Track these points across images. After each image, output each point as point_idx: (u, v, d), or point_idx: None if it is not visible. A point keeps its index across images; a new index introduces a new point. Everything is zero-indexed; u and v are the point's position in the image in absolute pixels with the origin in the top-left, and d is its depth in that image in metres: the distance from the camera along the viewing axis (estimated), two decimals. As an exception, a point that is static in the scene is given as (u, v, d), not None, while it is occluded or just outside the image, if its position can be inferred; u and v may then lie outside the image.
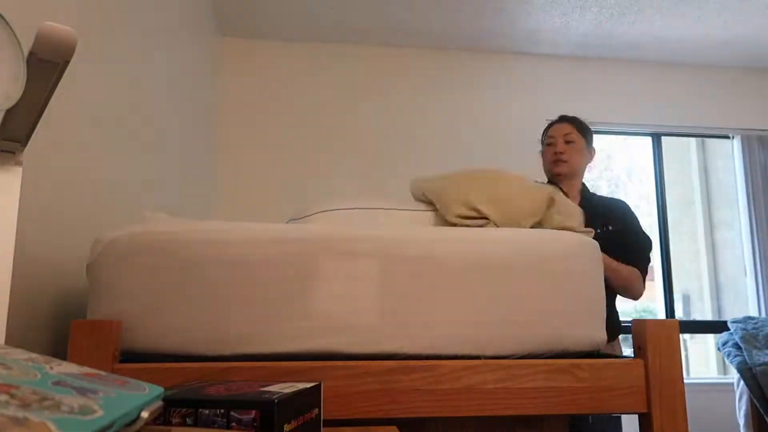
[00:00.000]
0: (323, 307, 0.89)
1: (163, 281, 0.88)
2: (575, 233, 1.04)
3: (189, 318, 0.87)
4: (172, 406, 0.59)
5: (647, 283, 1.65)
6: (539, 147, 1.90)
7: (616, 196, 1.94)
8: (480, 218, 1.05)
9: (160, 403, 0.47)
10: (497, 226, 1.04)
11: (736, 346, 2.61)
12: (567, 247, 0.97)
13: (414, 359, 0.88)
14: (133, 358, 0.87)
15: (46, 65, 0.59)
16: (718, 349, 2.74)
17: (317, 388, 0.70)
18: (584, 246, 0.99)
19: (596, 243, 1.02)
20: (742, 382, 2.55)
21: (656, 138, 3.50)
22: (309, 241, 0.91)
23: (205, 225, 0.95)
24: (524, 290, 0.93)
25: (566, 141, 1.81)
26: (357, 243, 0.92)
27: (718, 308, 3.84)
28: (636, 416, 0.90)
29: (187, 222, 0.98)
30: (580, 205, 1.67)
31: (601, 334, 0.96)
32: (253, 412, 0.57)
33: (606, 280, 1.07)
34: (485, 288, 0.92)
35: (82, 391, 0.41)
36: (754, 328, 2.66)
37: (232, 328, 0.87)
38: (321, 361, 0.87)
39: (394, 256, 0.92)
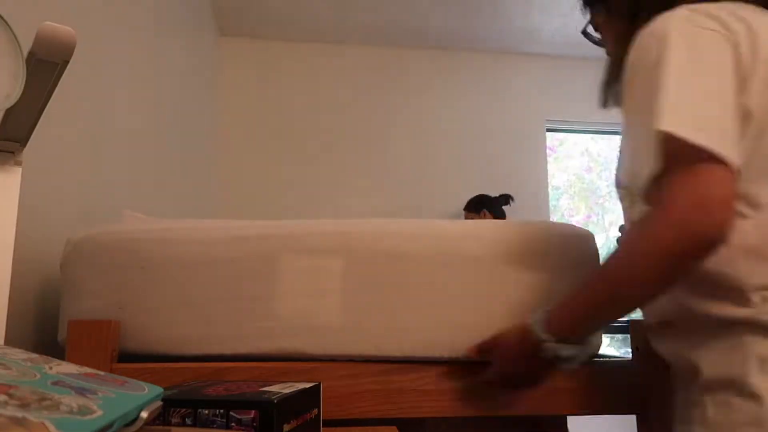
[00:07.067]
0: (285, 306, 0.87)
1: (126, 280, 0.88)
2: (566, 224, 0.98)
3: (150, 317, 0.87)
4: (171, 406, 0.59)
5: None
6: (537, 147, 1.89)
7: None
8: None
9: (159, 403, 0.47)
10: None
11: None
12: (554, 240, 0.91)
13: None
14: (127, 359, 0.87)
15: (46, 65, 0.59)
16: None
17: (317, 388, 0.70)
18: (574, 239, 0.92)
19: (591, 234, 0.95)
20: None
21: (656, 138, 3.50)
22: (271, 237, 0.89)
23: (167, 224, 0.94)
24: (505, 288, 0.87)
25: None
26: (321, 238, 0.89)
27: (718, 308, 3.83)
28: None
29: (156, 221, 0.98)
30: None
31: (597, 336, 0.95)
32: (253, 412, 0.57)
33: None
34: (462, 287, 0.86)
35: (81, 391, 0.41)
36: (753, 329, 2.66)
37: (192, 328, 0.86)
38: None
39: (361, 252, 0.88)
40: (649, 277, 0.65)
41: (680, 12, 0.70)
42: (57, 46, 0.58)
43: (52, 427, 0.32)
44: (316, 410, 0.69)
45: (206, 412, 0.58)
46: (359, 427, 0.79)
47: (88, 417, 0.36)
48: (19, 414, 0.33)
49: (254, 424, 0.56)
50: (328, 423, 0.79)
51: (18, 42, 0.56)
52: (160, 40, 1.88)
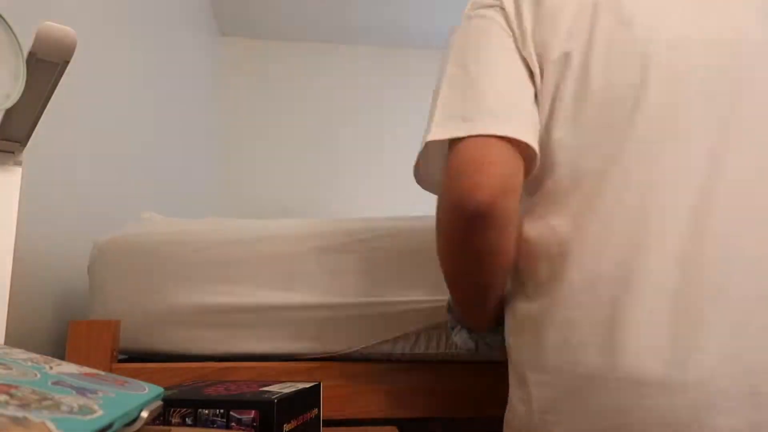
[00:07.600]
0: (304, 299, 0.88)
1: (148, 282, 0.89)
2: None
3: (173, 318, 0.88)
4: (171, 406, 0.59)
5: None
6: None
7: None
8: None
9: (159, 403, 0.47)
10: None
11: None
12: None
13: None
14: (128, 359, 0.88)
15: (46, 65, 0.59)
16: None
17: (317, 388, 0.71)
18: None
19: None
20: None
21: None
22: (296, 238, 0.91)
23: (187, 225, 0.96)
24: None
25: None
26: (343, 237, 0.91)
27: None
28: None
29: (177, 223, 0.99)
30: None
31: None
32: (253, 412, 0.57)
33: None
34: None
35: (81, 391, 0.41)
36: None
37: (213, 329, 0.88)
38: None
39: (378, 249, 0.91)
40: (448, 269, 0.65)
41: None
42: (57, 46, 0.58)
43: (52, 427, 0.33)
44: (316, 410, 0.69)
45: (206, 412, 0.58)
46: (359, 427, 0.79)
47: (89, 417, 0.36)
48: (20, 414, 0.33)
49: (254, 424, 0.56)
50: (328, 423, 0.79)
51: (18, 42, 0.56)
52: (160, 40, 1.88)
